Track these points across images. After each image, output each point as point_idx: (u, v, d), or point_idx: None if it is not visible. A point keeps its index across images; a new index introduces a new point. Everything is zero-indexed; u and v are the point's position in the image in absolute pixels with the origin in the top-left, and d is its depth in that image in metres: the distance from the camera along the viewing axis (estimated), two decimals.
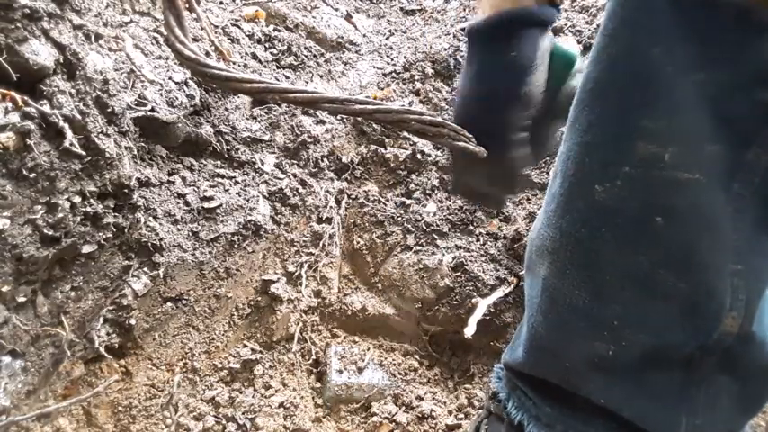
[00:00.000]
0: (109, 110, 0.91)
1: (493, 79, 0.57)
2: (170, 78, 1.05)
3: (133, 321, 0.93)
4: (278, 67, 1.17)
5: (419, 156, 1.17)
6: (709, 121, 0.41)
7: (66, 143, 0.79)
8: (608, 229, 0.46)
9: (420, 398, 0.95)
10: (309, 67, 1.20)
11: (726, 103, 0.41)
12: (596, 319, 0.49)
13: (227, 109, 1.07)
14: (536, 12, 0.55)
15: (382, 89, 1.22)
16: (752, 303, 0.47)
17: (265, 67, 1.14)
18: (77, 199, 0.86)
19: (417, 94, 1.24)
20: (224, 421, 0.91)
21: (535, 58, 0.55)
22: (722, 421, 0.52)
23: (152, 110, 0.99)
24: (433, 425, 0.89)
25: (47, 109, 0.78)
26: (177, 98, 1.04)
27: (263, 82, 0.44)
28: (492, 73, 0.57)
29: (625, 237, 0.46)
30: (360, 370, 0.98)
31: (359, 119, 1.17)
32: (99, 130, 0.88)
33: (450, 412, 0.91)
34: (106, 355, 0.91)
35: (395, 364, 1.02)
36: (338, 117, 1.17)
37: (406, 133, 1.16)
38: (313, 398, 0.98)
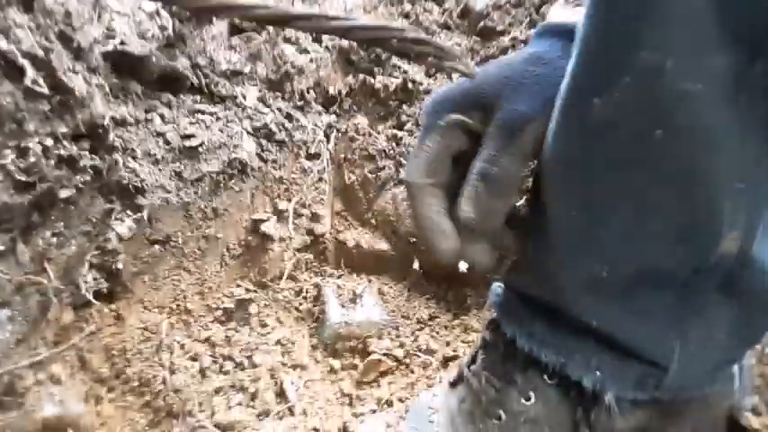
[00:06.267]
0: (74, 44, 0.85)
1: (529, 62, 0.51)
2: (140, 8, 0.98)
3: (120, 266, 0.91)
4: None
5: (410, 85, 1.11)
6: (717, 31, 0.37)
7: (28, 81, 0.74)
8: (606, 145, 0.43)
9: (417, 331, 0.94)
10: None
11: (733, 11, 0.37)
12: (591, 240, 0.47)
13: (203, 39, 1.01)
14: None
15: (369, 12, 1.14)
16: (753, 225, 0.45)
17: None
18: (49, 141, 0.82)
19: (407, 16, 1.16)
20: (221, 360, 0.91)
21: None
22: (718, 349, 0.51)
23: (122, 43, 0.93)
24: (430, 358, 0.89)
25: (3, 45, 0.72)
26: (149, 30, 0.97)
27: None
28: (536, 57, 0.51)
29: (623, 152, 0.43)
30: (356, 306, 0.97)
31: (343, 44, 1.11)
32: (65, 67, 0.82)
33: (447, 343, 0.90)
34: (95, 300, 0.89)
35: (391, 300, 1.01)
36: (323, 45, 1.11)
37: (395, 61, 1.10)
38: (310, 335, 0.98)
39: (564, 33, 0.51)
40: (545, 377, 0.55)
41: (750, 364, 0.61)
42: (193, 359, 0.91)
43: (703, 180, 0.42)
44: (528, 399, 0.56)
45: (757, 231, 0.45)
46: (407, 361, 0.90)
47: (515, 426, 0.56)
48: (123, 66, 0.94)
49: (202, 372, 0.89)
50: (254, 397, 0.86)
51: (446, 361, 0.88)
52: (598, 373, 0.51)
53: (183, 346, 0.92)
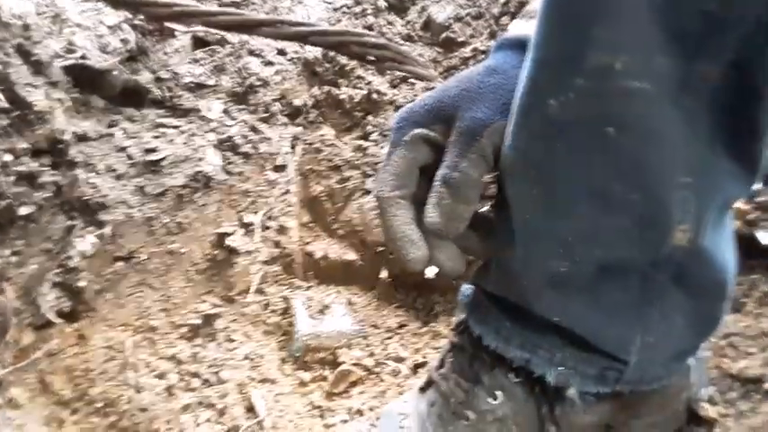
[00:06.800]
0: (34, 58, 0.84)
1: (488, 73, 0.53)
2: (101, 22, 0.98)
3: (83, 283, 0.90)
4: (219, 5, 1.09)
5: (375, 96, 1.12)
6: (660, 32, 0.40)
7: None
8: (561, 144, 0.45)
9: (387, 340, 0.94)
10: (253, 3, 1.13)
11: (674, 13, 0.39)
12: (551, 236, 0.49)
13: (165, 53, 1.01)
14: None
15: (333, 24, 1.15)
16: (702, 217, 0.47)
17: (204, 5, 1.07)
18: (8, 157, 0.80)
19: (371, 28, 1.18)
20: (188, 377, 0.89)
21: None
22: (675, 340, 0.52)
23: (83, 57, 0.92)
24: (400, 365, 0.89)
25: None
26: (110, 43, 0.96)
27: (181, 5, 0.39)
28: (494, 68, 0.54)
29: (578, 150, 0.45)
30: (326, 318, 0.97)
31: (308, 56, 1.12)
32: (25, 81, 0.81)
33: (416, 350, 0.91)
34: (57, 320, 0.87)
35: (360, 309, 1.01)
36: (288, 57, 1.11)
37: (359, 72, 1.11)
38: (279, 348, 0.97)
39: (519, 45, 0.53)
40: (511, 375, 0.56)
41: (705, 357, 0.63)
42: (159, 377, 0.89)
43: (653, 174, 0.44)
44: (495, 398, 0.56)
45: (706, 225, 0.47)
46: (378, 370, 0.90)
47: (483, 425, 0.57)
48: (85, 80, 0.93)
49: (169, 390, 0.87)
50: (222, 413, 0.85)
51: (416, 368, 0.88)
52: (561, 368, 0.52)
53: (148, 365, 0.90)
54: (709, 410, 0.58)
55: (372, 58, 0.43)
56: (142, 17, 1.01)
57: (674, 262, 0.48)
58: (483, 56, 1.17)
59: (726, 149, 0.45)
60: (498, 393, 0.56)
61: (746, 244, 0.70)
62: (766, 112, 0.43)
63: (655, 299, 0.50)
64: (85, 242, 0.89)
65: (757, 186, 0.59)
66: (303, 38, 0.41)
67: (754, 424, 0.55)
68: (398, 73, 0.96)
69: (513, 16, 1.16)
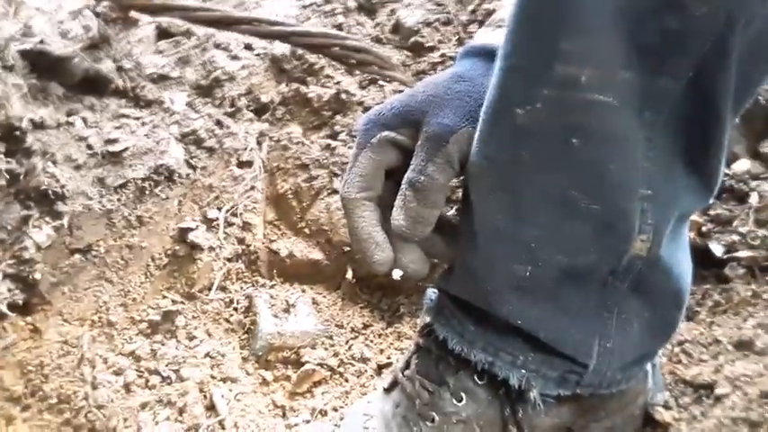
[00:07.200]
0: None
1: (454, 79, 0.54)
2: (61, 7, 0.94)
3: (38, 276, 0.87)
4: None
5: (343, 96, 1.12)
6: (624, 47, 0.41)
7: None
8: (527, 152, 0.47)
9: (351, 340, 0.95)
10: None
11: (638, 29, 0.41)
12: (515, 242, 0.50)
13: (129, 42, 0.98)
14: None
15: (302, 23, 1.15)
16: (660, 228, 0.49)
17: None
18: None
19: (340, 29, 1.17)
20: (146, 374, 0.87)
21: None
22: (633, 345, 0.54)
23: (42, 42, 0.89)
24: (364, 366, 0.89)
25: None
26: (71, 29, 0.93)
27: None
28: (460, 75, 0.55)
29: (543, 158, 0.47)
30: (290, 317, 0.96)
31: (276, 52, 1.10)
32: None
33: (381, 351, 0.91)
34: (9, 313, 0.84)
35: (325, 309, 1.00)
36: (255, 52, 1.10)
37: (328, 71, 1.11)
38: (241, 346, 0.96)
39: (485, 54, 0.54)
40: (475, 378, 0.57)
41: (661, 363, 0.66)
42: (117, 373, 0.87)
43: (614, 184, 0.46)
44: (460, 400, 0.58)
45: (664, 235, 0.49)
46: (341, 370, 0.90)
47: (448, 427, 0.58)
48: (43, 66, 0.89)
49: (127, 386, 0.85)
50: (182, 411, 0.83)
51: (380, 368, 0.88)
52: (523, 370, 0.54)
53: (105, 360, 0.88)
54: (664, 414, 0.60)
55: (353, 62, 0.43)
56: (105, 4, 0.98)
57: (633, 270, 0.50)
58: (451, 61, 1.18)
59: (685, 164, 0.48)
60: (463, 395, 0.57)
61: (701, 255, 0.74)
62: (724, 129, 0.45)
63: (614, 305, 0.52)
64: (42, 233, 0.86)
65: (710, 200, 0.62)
66: (284, 37, 0.41)
67: (706, 428, 0.58)
68: (367, 74, 0.96)
69: (481, 24, 1.18)
